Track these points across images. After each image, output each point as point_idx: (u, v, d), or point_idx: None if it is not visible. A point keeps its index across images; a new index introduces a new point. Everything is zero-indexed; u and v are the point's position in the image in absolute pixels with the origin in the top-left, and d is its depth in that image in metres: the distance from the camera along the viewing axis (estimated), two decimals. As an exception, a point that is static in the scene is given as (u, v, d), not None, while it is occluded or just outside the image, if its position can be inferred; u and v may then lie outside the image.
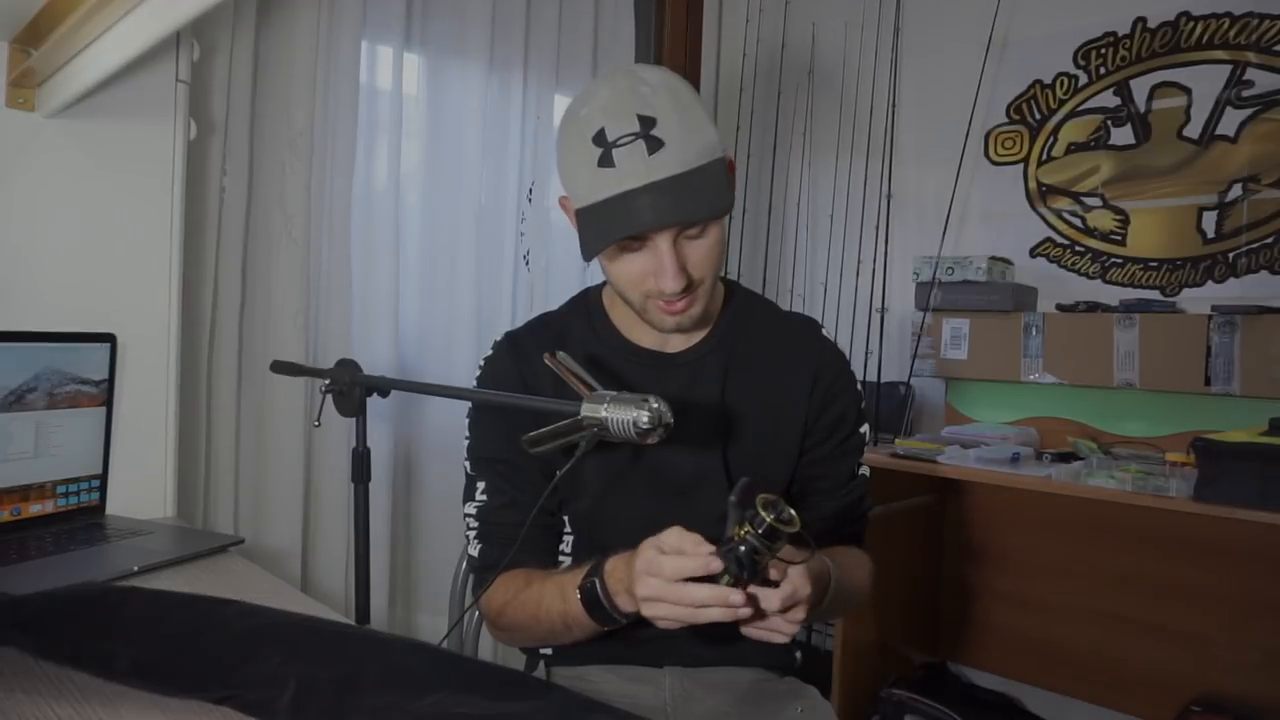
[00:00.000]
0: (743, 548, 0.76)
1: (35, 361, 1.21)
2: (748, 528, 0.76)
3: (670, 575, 0.77)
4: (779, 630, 0.82)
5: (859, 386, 1.12)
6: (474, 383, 1.07)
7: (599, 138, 0.87)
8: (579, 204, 0.91)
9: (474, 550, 1.03)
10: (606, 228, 0.87)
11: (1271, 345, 1.81)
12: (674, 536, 0.79)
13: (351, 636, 0.75)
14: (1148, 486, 1.70)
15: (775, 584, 0.80)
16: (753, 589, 0.79)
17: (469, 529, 1.04)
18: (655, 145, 0.85)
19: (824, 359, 1.08)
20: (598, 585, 0.86)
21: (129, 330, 1.35)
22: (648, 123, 0.86)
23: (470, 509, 1.04)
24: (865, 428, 1.12)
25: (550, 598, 0.92)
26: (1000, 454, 1.97)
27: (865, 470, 1.12)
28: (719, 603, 0.76)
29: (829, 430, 1.07)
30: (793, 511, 0.77)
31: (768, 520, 0.75)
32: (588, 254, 0.90)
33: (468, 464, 1.06)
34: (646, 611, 0.80)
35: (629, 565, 0.83)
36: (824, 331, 1.11)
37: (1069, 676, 2.18)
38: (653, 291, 0.93)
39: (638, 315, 0.98)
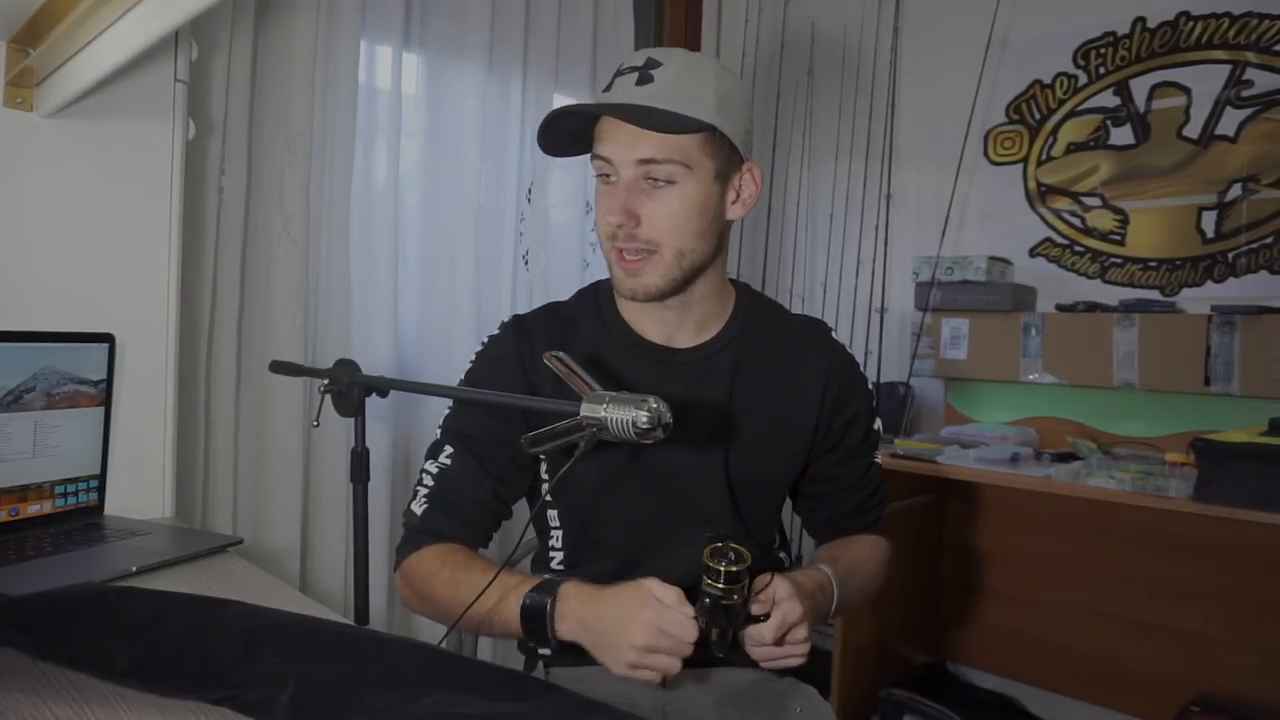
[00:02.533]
0: (707, 600, 0.82)
1: (34, 361, 1.21)
2: (707, 582, 0.82)
3: (676, 653, 0.82)
4: (788, 655, 0.88)
5: (870, 386, 1.14)
6: (473, 358, 1.08)
7: (616, 72, 0.97)
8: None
9: (418, 508, 1.02)
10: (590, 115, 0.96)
11: (1271, 345, 1.81)
12: (676, 622, 0.82)
13: (351, 637, 0.75)
14: (1147, 486, 1.70)
15: (766, 617, 0.85)
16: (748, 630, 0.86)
17: (422, 484, 1.03)
18: (646, 80, 0.93)
19: (835, 364, 1.09)
20: (547, 607, 0.88)
21: (127, 330, 1.35)
22: (652, 64, 0.94)
23: (431, 467, 1.03)
24: (878, 423, 1.14)
25: (489, 592, 0.91)
26: (1000, 454, 1.97)
27: (878, 458, 1.15)
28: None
29: (842, 433, 1.09)
30: (739, 549, 0.82)
31: (721, 569, 0.81)
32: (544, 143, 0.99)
33: (440, 429, 1.06)
34: (624, 672, 0.84)
35: (591, 604, 0.87)
36: (834, 334, 1.12)
37: (1068, 676, 2.18)
38: (610, 234, 0.96)
39: (614, 281, 1.00)
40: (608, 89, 0.96)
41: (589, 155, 0.99)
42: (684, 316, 1.03)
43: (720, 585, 0.81)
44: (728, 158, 0.97)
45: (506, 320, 1.09)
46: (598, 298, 1.09)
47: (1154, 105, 2.16)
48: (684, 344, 1.04)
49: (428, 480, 1.03)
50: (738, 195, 1.00)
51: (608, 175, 0.96)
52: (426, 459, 1.05)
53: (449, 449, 1.03)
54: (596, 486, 1.03)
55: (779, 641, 0.87)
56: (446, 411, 1.07)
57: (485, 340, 1.08)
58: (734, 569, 0.81)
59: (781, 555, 1.19)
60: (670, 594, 0.84)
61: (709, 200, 0.96)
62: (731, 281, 1.10)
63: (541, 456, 1.04)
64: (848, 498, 1.12)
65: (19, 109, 1.27)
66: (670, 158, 0.92)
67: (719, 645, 0.85)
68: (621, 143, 0.93)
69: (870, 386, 1.14)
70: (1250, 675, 1.90)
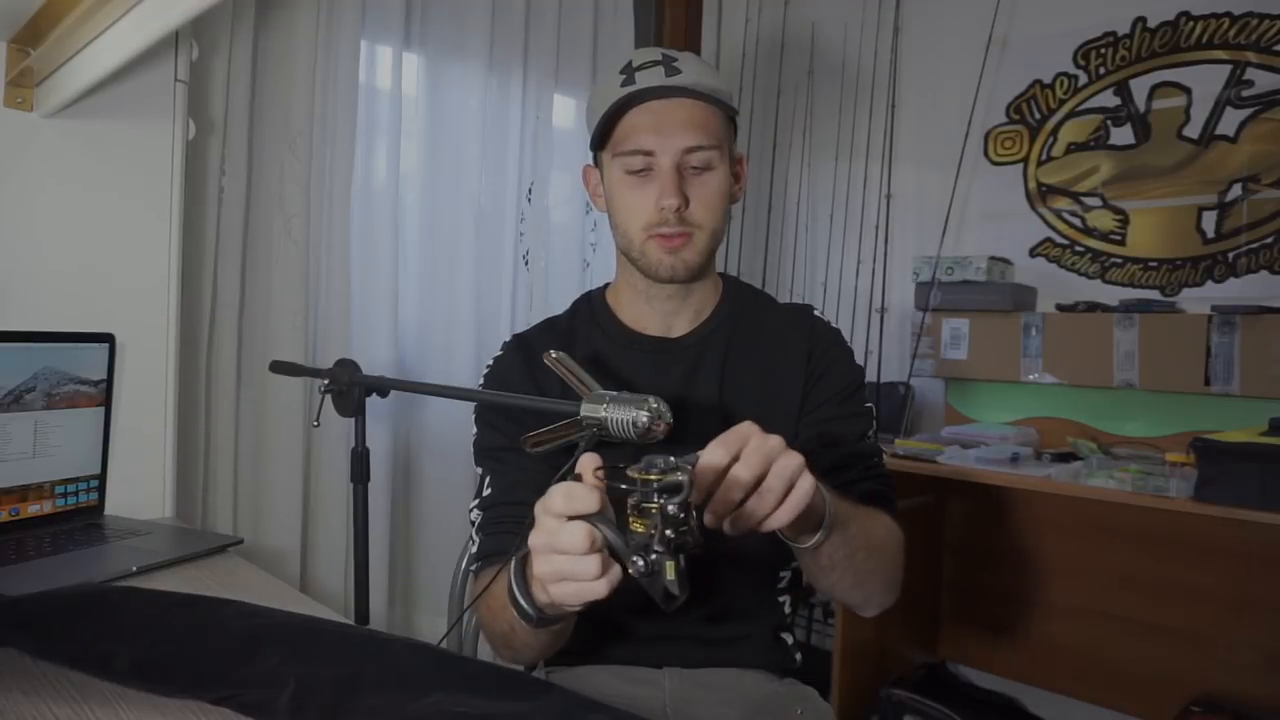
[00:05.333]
0: (666, 523, 0.63)
1: (34, 361, 1.21)
2: (650, 506, 0.63)
3: (577, 549, 0.64)
4: (783, 512, 0.71)
5: (858, 362, 1.10)
6: (480, 380, 1.09)
7: (625, 68, 0.99)
8: (598, 114, 0.99)
9: (475, 545, 1.03)
10: (619, 106, 0.96)
11: (1271, 345, 1.81)
12: (568, 494, 0.67)
13: (351, 637, 0.75)
14: (1147, 486, 1.70)
15: (716, 530, 0.71)
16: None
17: (473, 524, 1.04)
18: (674, 71, 0.97)
19: (817, 335, 1.08)
20: (511, 575, 0.75)
21: (128, 330, 1.35)
22: (670, 58, 0.98)
23: (476, 503, 1.04)
24: (870, 404, 1.08)
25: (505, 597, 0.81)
26: (1000, 454, 1.97)
27: (872, 435, 1.07)
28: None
29: (827, 392, 1.04)
30: (670, 459, 0.64)
31: (653, 479, 0.62)
32: (598, 136, 0.99)
33: (475, 461, 1.06)
34: (545, 597, 0.71)
35: None
36: (817, 313, 1.12)
37: (1069, 676, 2.18)
38: (653, 222, 0.97)
39: (640, 270, 1.01)
40: (629, 83, 0.97)
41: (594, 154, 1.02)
42: (683, 305, 1.06)
43: (666, 512, 0.62)
44: (733, 143, 1.03)
45: (508, 340, 1.11)
46: (590, 304, 1.12)
47: (1154, 105, 2.16)
48: (680, 331, 1.07)
49: (475, 515, 1.03)
50: (737, 180, 1.06)
51: (645, 169, 0.98)
52: (473, 500, 1.03)
53: (486, 478, 1.04)
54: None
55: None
56: (473, 436, 1.07)
57: (490, 362, 1.09)
58: (668, 477, 0.62)
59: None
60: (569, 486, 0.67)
61: (728, 184, 1.02)
62: (718, 274, 1.13)
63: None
64: (848, 467, 1.00)
65: (19, 109, 1.27)
66: (711, 143, 0.97)
67: (671, 592, 0.63)
68: (666, 133, 0.96)
69: (859, 363, 1.11)
70: (1250, 675, 1.90)
